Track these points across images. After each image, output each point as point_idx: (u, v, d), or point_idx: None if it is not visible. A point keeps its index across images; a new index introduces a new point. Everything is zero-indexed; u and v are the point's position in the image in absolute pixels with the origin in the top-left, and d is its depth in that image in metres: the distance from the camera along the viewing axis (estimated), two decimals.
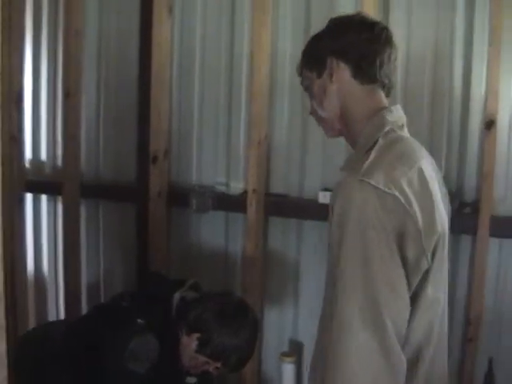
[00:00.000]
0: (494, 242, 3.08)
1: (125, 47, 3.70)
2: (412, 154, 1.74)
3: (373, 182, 1.58)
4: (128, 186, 3.74)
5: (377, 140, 1.73)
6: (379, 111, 1.82)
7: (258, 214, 3.34)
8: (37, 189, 4.00)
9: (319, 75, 1.88)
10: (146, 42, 3.49)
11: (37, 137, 4.02)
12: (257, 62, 3.27)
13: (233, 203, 3.46)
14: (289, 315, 3.57)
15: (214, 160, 3.60)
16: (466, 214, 3.06)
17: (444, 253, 1.74)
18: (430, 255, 1.64)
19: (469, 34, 3.08)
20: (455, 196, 2.99)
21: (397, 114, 1.84)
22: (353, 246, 1.58)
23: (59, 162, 3.93)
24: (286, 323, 3.58)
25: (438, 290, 1.73)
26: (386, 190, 1.58)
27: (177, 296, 2.76)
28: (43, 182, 3.99)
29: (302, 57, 1.98)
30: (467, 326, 3.10)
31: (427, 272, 1.65)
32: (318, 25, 1.97)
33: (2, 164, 3.07)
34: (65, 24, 3.64)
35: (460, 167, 3.16)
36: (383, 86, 1.88)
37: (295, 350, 3.53)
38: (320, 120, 1.96)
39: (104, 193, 3.83)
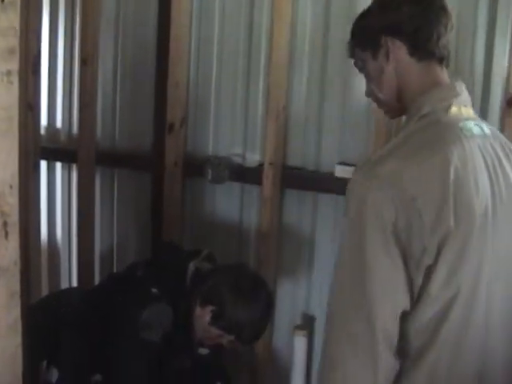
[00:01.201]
0: None
1: (143, 14, 3.65)
2: (438, 142, 1.63)
3: (375, 176, 1.56)
4: (144, 155, 3.72)
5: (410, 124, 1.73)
6: (429, 89, 1.76)
7: (274, 187, 3.31)
8: (51, 156, 3.98)
9: (374, 56, 1.81)
10: (165, 10, 3.44)
11: (52, 104, 4.00)
12: (276, 31, 3.22)
13: (249, 175, 3.44)
14: (302, 289, 3.55)
15: (230, 131, 3.57)
16: None
17: (468, 245, 1.59)
18: (434, 251, 1.54)
19: (492, 9, 3.01)
20: None
21: (441, 94, 1.76)
22: (351, 240, 1.59)
23: (75, 129, 3.90)
24: (299, 296, 3.57)
25: (447, 287, 1.59)
26: (389, 184, 1.54)
27: (191, 266, 2.76)
28: (58, 150, 3.97)
29: (352, 36, 1.90)
30: None
31: (430, 268, 1.56)
32: None
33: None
34: None
35: None
36: (441, 60, 1.80)
37: (308, 323, 3.53)
38: (379, 102, 1.93)
39: (119, 161, 3.81)
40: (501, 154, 1.74)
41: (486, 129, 1.77)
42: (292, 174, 3.40)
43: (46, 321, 2.90)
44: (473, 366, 1.66)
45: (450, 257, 1.55)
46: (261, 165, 3.38)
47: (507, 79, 2.97)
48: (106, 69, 3.77)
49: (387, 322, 1.56)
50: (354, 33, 1.89)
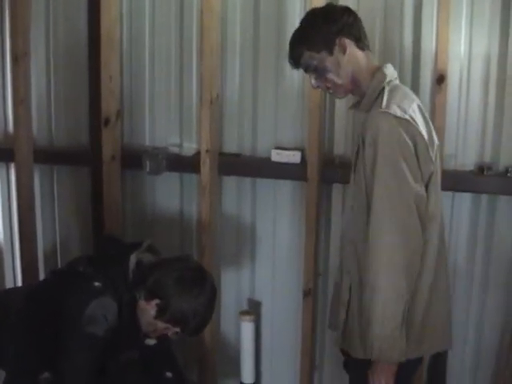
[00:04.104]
0: (447, 196, 3.13)
1: (73, 9, 3.63)
2: (410, 95, 2.41)
3: (392, 112, 2.20)
4: (81, 149, 3.70)
5: (383, 87, 2.35)
6: (378, 69, 2.43)
7: (211, 174, 3.34)
8: None
9: (330, 53, 2.38)
10: (95, 4, 3.42)
11: None
12: (207, 21, 3.23)
13: (186, 164, 3.45)
14: (246, 274, 3.60)
15: (166, 121, 3.59)
16: None
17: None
18: (433, 160, 2.31)
19: None
20: None
21: (391, 70, 2.45)
22: (385, 156, 2.20)
23: (10, 128, 3.86)
24: (243, 283, 3.61)
25: (437, 192, 2.38)
26: (401, 116, 2.21)
27: (133, 258, 2.76)
28: None
29: (300, 46, 2.43)
30: None
31: (431, 175, 2.31)
32: None
33: None
34: None
35: None
36: (369, 49, 2.48)
37: (253, 308, 3.57)
38: (334, 87, 2.46)
39: (57, 157, 3.77)
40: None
41: None
42: (229, 160, 3.43)
43: None
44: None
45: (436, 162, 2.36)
46: (198, 153, 3.39)
47: (435, 60, 3.07)
48: (39, 65, 3.72)
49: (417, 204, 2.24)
50: (303, 43, 2.43)
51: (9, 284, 4.05)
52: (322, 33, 2.38)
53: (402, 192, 2.20)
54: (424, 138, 2.26)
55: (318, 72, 2.43)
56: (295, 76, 3.29)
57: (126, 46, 3.58)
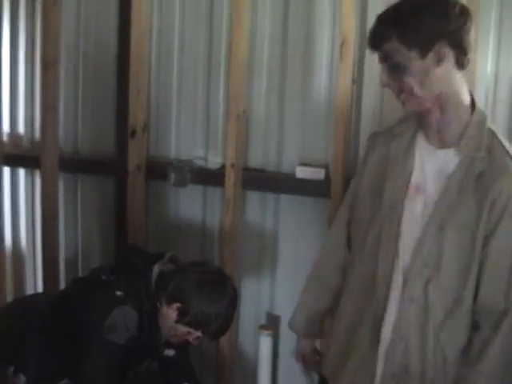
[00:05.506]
0: None
1: (104, 19, 3.66)
2: None
3: None
4: (107, 159, 3.72)
5: (489, 129, 2.01)
6: (472, 102, 2.01)
7: (235, 188, 3.35)
8: (14, 162, 3.97)
9: (423, 56, 1.89)
10: (126, 15, 3.45)
11: (15, 110, 3.99)
12: (236, 35, 3.25)
13: (211, 177, 3.47)
14: (266, 289, 3.60)
15: (192, 134, 3.60)
16: None
17: None
18: None
19: None
20: None
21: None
22: None
23: (37, 135, 3.89)
24: (263, 297, 3.61)
25: None
26: None
27: (156, 269, 2.77)
28: (21, 156, 3.95)
29: (390, 30, 1.92)
30: None
31: None
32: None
33: None
34: None
35: None
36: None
37: (272, 323, 3.57)
38: (409, 94, 1.97)
39: (83, 166, 3.80)
40: None
41: None
42: (253, 175, 3.44)
43: (12, 327, 2.89)
44: None
45: None
46: (223, 167, 3.41)
47: None
48: (68, 74, 3.77)
49: None
50: (400, 28, 1.90)
51: (29, 290, 4.07)
52: (424, 28, 1.87)
53: None
54: None
55: (396, 69, 1.95)
56: (321, 93, 3.31)
57: (155, 58, 3.61)
